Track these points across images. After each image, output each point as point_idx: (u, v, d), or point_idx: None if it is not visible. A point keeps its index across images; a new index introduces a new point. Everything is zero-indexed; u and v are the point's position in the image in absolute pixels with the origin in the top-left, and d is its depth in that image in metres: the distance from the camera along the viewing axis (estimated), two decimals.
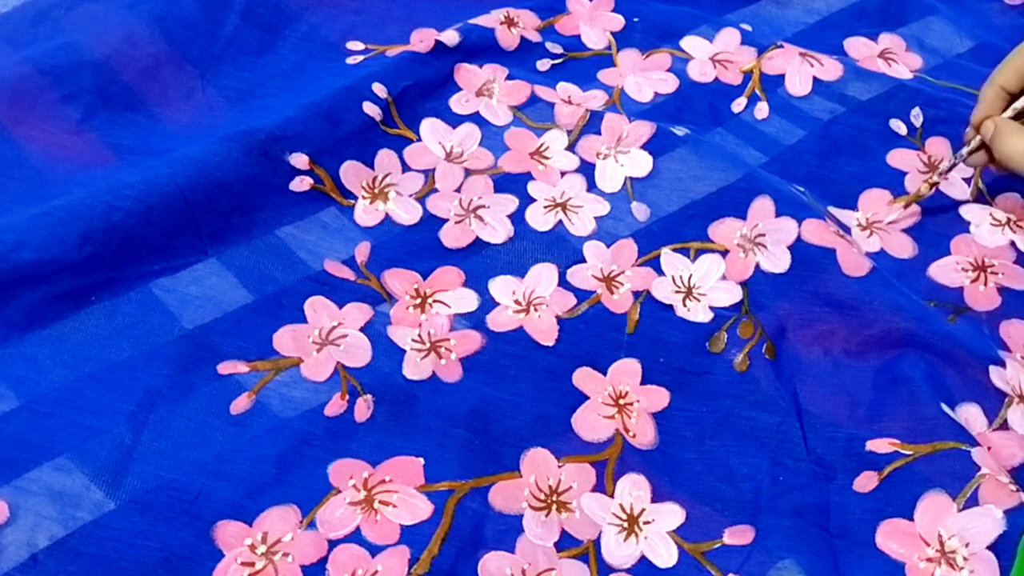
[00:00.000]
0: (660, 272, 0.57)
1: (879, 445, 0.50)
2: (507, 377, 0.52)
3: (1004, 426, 0.51)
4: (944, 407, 0.50)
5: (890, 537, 0.47)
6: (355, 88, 0.61)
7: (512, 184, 0.60)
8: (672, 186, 0.61)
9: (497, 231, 0.58)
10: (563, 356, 0.53)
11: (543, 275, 0.56)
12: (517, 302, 0.55)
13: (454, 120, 0.63)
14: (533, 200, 0.60)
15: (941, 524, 0.47)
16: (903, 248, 0.59)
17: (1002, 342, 0.55)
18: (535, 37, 0.69)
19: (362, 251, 0.57)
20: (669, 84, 0.67)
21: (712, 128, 0.65)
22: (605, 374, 0.53)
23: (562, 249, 0.57)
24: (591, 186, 0.61)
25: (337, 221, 0.58)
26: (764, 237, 0.58)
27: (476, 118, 0.64)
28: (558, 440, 0.50)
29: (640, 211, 0.60)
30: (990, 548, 0.46)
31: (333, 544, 0.45)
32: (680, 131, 0.63)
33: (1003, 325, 0.56)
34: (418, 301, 0.55)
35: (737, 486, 0.49)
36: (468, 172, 0.61)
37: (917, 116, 0.65)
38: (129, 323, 0.52)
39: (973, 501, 0.47)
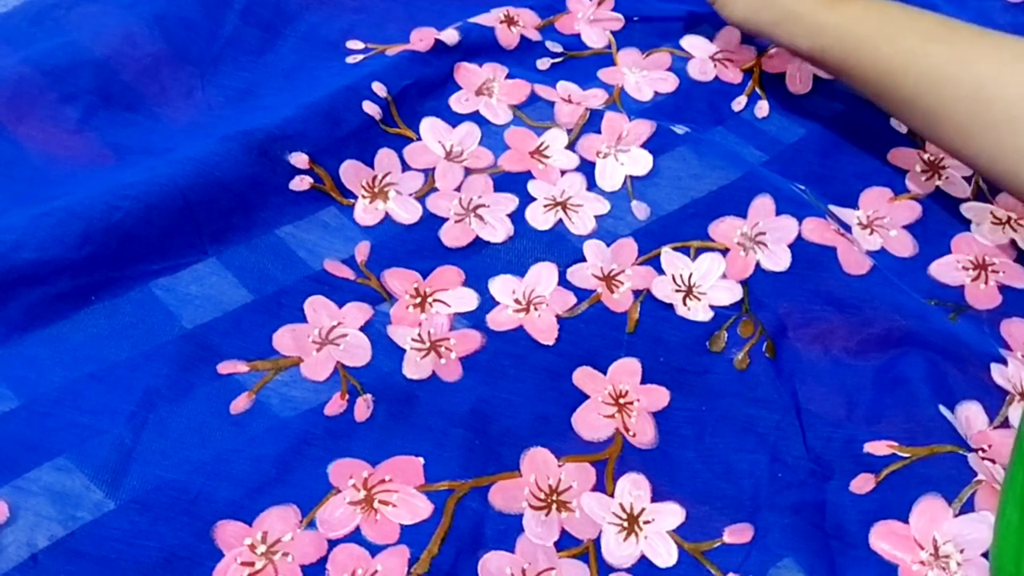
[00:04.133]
0: (660, 271, 0.57)
1: (877, 447, 0.49)
2: (507, 376, 0.52)
3: (1005, 424, 0.50)
4: (943, 409, 0.50)
5: (884, 539, 0.47)
6: (355, 87, 0.61)
7: (512, 183, 0.60)
8: (672, 185, 0.61)
9: (497, 230, 0.58)
10: (563, 355, 0.53)
11: (543, 274, 0.56)
12: (517, 301, 0.55)
13: (454, 119, 0.63)
14: (533, 199, 0.60)
15: (936, 528, 0.46)
16: (904, 246, 0.59)
17: (1003, 341, 0.55)
18: (535, 36, 0.69)
19: (362, 250, 0.57)
20: (669, 83, 0.67)
21: (712, 127, 0.65)
22: (605, 373, 0.53)
23: (562, 248, 0.57)
24: (591, 185, 0.61)
25: (337, 220, 0.58)
26: (764, 236, 0.57)
27: (476, 117, 0.64)
28: (558, 439, 0.50)
29: (640, 210, 0.60)
30: (985, 555, 0.45)
31: (333, 544, 0.45)
32: (680, 130, 0.63)
33: (1004, 324, 0.56)
34: (418, 300, 0.55)
35: (736, 483, 0.49)
36: (468, 171, 0.61)
37: None
38: (129, 323, 0.52)
39: (969, 506, 0.47)
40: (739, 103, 0.66)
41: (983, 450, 0.49)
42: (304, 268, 0.55)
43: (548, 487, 0.48)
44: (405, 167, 0.61)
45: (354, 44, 0.67)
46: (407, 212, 0.59)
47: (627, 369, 0.53)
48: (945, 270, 0.58)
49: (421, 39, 0.65)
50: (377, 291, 0.55)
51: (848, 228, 0.59)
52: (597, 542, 0.47)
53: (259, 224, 0.57)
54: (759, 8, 0.58)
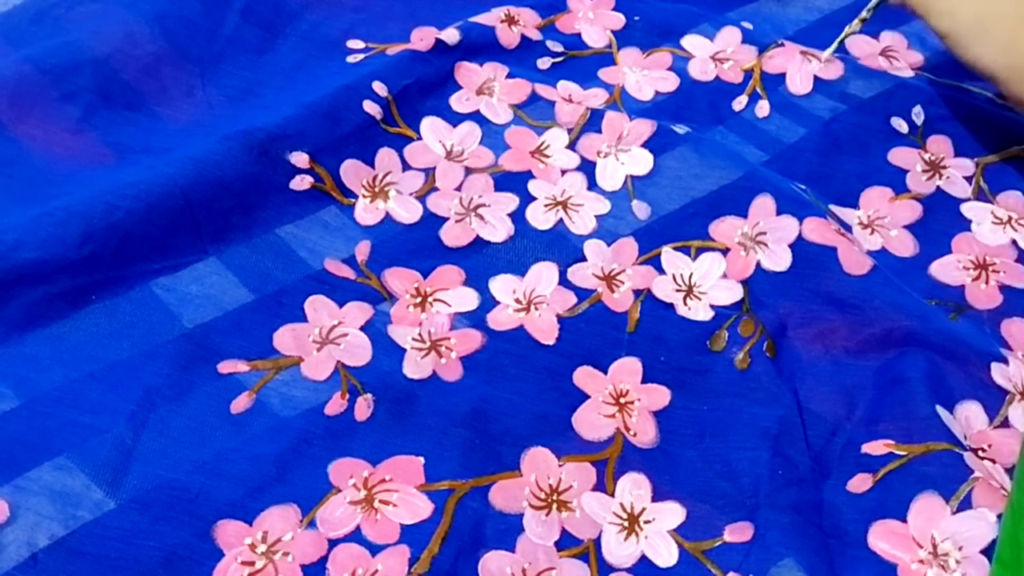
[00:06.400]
0: (661, 271, 0.57)
1: (875, 448, 0.49)
2: (507, 376, 0.52)
3: (1005, 423, 0.50)
4: (940, 410, 0.50)
5: (882, 538, 0.47)
6: (355, 86, 0.61)
7: (512, 182, 0.60)
8: (673, 184, 0.61)
9: (497, 230, 0.58)
10: (564, 355, 0.53)
11: (543, 274, 0.56)
12: (517, 301, 0.55)
13: (454, 118, 0.63)
14: (533, 198, 0.60)
15: (934, 526, 0.46)
16: (904, 246, 0.59)
17: (1004, 340, 0.55)
18: (536, 35, 0.69)
19: (362, 250, 0.57)
20: (670, 83, 0.67)
21: (713, 126, 0.65)
22: (606, 373, 0.53)
23: (562, 248, 0.57)
24: (592, 184, 0.61)
25: (337, 220, 0.58)
26: (765, 235, 0.57)
27: (476, 116, 0.64)
28: (559, 439, 0.50)
29: (641, 209, 0.60)
30: (983, 552, 0.45)
31: (333, 543, 0.45)
32: (681, 129, 0.63)
33: (1004, 324, 0.56)
34: (418, 300, 0.55)
35: (737, 481, 0.49)
36: (468, 171, 0.61)
37: (918, 114, 0.65)
38: (129, 322, 0.52)
39: (967, 504, 0.47)
40: (740, 103, 0.66)
41: (983, 450, 0.49)
42: (304, 267, 0.55)
43: (548, 487, 0.48)
44: (405, 166, 0.61)
45: (355, 43, 0.67)
46: (407, 211, 0.59)
47: (628, 369, 0.53)
48: (946, 270, 0.58)
49: (422, 38, 0.65)
50: (377, 290, 0.55)
51: (849, 228, 0.59)
52: (597, 542, 0.47)
53: (260, 223, 0.57)
54: (1001, 51, 0.57)
